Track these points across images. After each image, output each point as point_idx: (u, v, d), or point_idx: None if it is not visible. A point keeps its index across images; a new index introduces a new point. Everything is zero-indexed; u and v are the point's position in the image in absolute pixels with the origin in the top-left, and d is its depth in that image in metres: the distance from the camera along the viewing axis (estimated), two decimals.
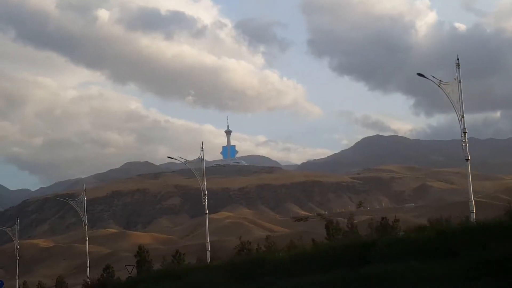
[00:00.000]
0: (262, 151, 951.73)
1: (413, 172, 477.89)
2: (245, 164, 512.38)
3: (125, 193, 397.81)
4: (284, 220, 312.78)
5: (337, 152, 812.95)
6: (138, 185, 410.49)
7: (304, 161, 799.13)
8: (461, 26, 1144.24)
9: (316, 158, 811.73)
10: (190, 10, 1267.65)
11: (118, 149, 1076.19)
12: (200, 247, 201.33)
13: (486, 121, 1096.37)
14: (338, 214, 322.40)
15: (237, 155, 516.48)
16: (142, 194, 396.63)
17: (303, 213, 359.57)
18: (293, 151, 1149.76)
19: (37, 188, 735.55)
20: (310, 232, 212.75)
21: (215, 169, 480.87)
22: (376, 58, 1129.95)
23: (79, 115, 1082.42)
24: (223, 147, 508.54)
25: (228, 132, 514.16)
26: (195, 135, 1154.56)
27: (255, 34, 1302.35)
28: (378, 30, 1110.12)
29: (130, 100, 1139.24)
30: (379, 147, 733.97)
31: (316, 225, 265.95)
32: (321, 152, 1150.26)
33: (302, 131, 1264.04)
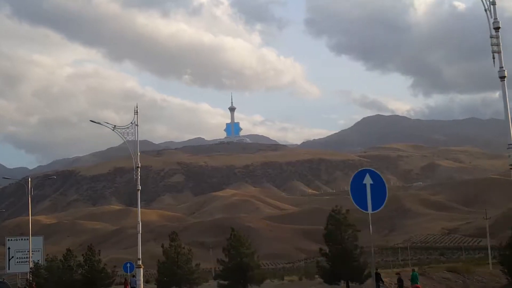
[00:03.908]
0: (259, 131, 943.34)
1: (419, 150, 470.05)
2: (249, 142, 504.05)
3: (127, 170, 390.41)
4: (292, 198, 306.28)
5: (337, 131, 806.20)
6: (141, 162, 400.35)
7: (304, 141, 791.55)
8: (460, 5, 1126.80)
9: (316, 138, 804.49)
10: None
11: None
12: (208, 225, 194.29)
13: (484, 101, 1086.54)
14: (346, 193, 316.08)
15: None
16: (145, 171, 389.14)
17: (310, 191, 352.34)
18: (291, 131, 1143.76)
19: (35, 166, 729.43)
20: (322, 209, 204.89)
21: (218, 147, 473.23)
22: (374, 37, 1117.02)
23: (75, 94, 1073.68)
24: (227, 124, 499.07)
25: (232, 109, 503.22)
26: (192, 114, 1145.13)
27: (251, 12, 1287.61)
28: (377, 9, 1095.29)
29: (126, 79, 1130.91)
30: (379, 127, 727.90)
31: (327, 201, 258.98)
32: (318, 132, 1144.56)
33: (299, 110, 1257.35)
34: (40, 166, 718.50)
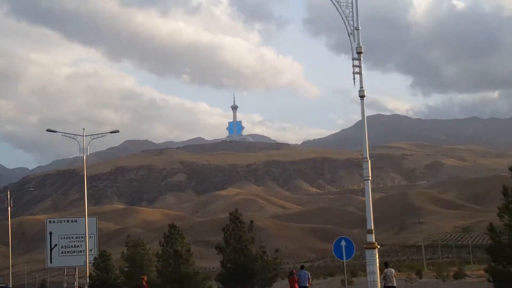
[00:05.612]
0: (258, 131, 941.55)
1: (423, 149, 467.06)
2: (252, 140, 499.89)
3: (129, 169, 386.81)
4: (296, 196, 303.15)
5: (338, 131, 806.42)
6: (142, 161, 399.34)
7: (304, 140, 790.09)
8: (459, 4, 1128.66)
9: (316, 138, 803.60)
10: None
11: (114, 127, 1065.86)
12: (213, 224, 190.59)
13: (483, 100, 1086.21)
14: (351, 191, 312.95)
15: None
16: (146, 170, 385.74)
17: (313, 190, 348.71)
18: (290, 131, 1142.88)
19: (35, 166, 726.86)
20: (329, 208, 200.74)
21: (220, 145, 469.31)
22: (374, 36, 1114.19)
23: (74, 93, 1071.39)
24: (229, 123, 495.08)
25: (234, 108, 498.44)
26: (191, 113, 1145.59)
27: (250, 11, 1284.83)
28: (377, 8, 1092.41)
29: (125, 78, 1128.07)
30: (381, 126, 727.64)
31: (331, 200, 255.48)
32: (317, 132, 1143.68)
33: (298, 110, 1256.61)
34: (40, 166, 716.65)
